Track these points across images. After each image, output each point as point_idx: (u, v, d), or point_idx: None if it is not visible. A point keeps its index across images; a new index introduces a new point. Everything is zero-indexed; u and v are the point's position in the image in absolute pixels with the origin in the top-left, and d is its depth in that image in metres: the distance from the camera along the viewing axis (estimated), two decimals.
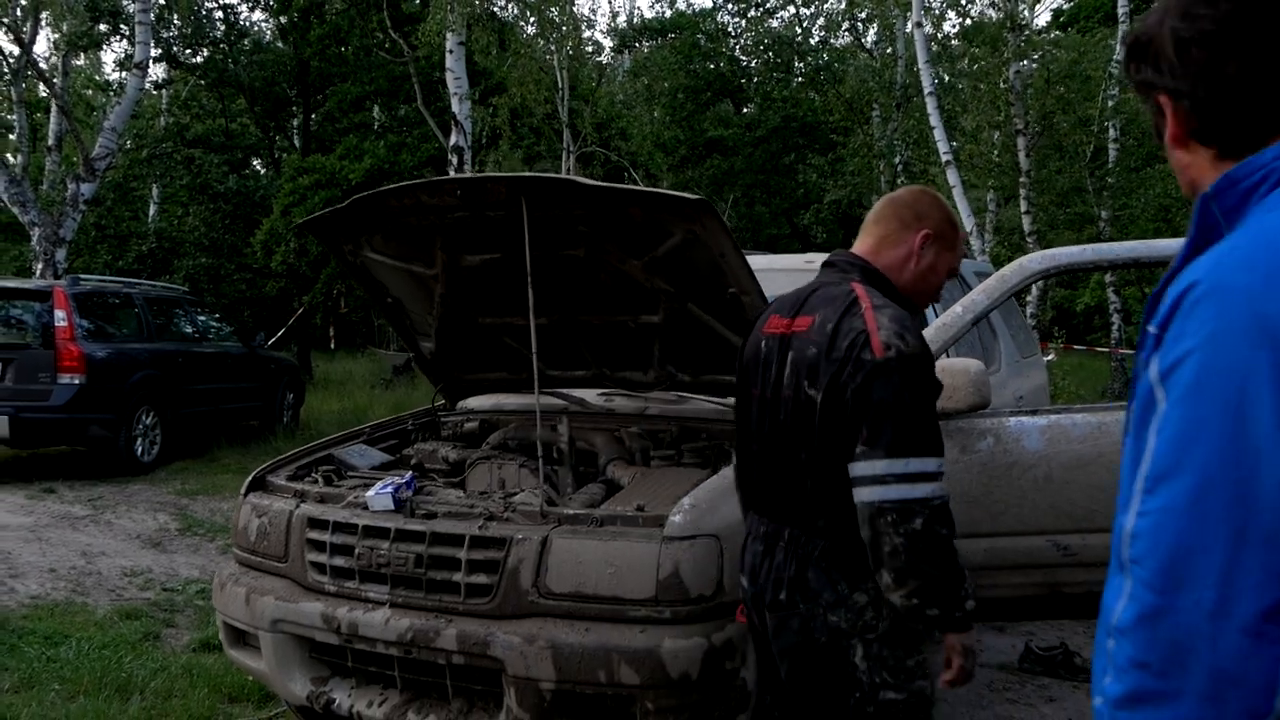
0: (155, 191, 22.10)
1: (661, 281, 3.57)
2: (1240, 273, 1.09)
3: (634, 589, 2.89)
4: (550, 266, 3.62)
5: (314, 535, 3.35)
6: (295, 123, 22.95)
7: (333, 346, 25.25)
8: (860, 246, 2.40)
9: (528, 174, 3.42)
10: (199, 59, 21.28)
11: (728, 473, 3.23)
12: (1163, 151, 1.50)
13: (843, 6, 22.54)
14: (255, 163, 27.32)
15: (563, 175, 3.41)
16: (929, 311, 4.96)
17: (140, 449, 9.67)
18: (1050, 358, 8.83)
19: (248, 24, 22.59)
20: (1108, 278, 15.05)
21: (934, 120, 12.85)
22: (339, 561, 3.27)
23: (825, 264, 2.42)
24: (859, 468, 2.06)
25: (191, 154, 20.06)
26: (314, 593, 3.31)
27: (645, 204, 3.31)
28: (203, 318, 11.70)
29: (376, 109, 22.24)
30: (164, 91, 24.31)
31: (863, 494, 2.05)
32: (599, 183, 3.29)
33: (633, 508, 3.11)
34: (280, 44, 21.08)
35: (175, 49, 20.71)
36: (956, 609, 2.06)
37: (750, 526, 2.42)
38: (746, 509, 2.48)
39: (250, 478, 3.77)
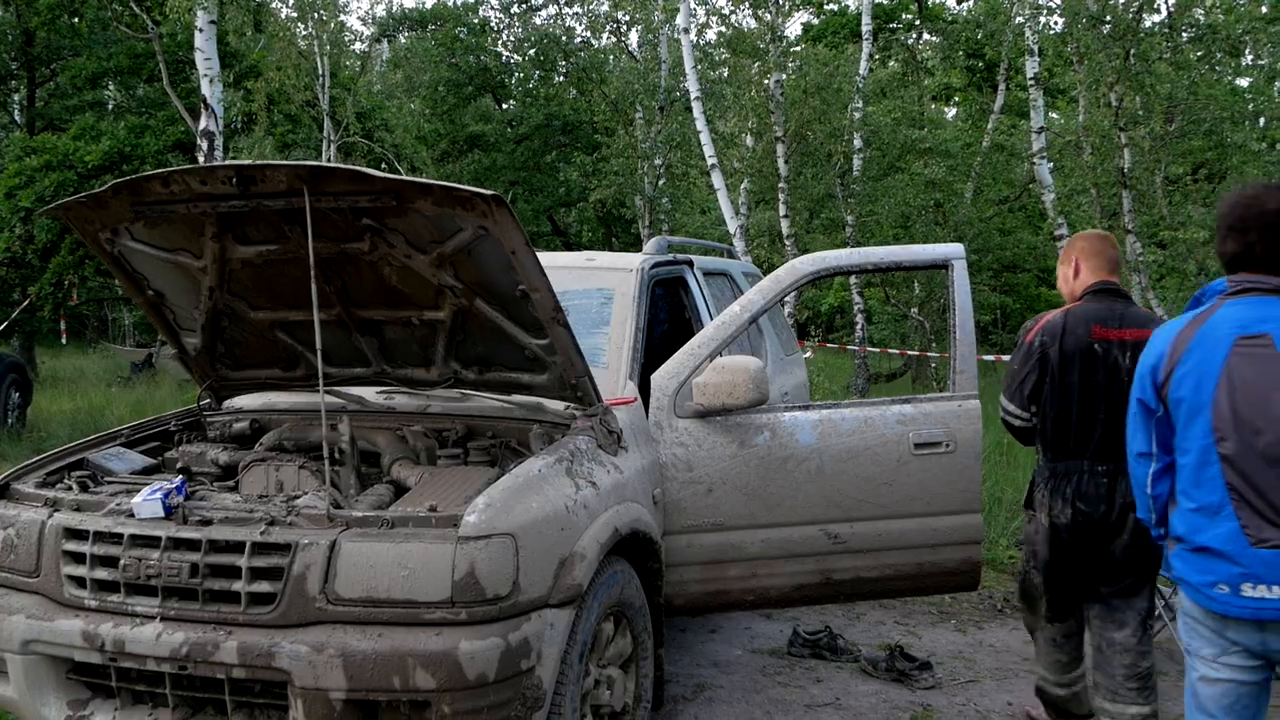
0: None
1: (449, 277, 3.49)
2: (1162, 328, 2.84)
3: (429, 591, 2.84)
4: (331, 260, 3.48)
5: (71, 546, 3.09)
6: (18, 98, 20.96)
7: (64, 341, 23.26)
8: (1113, 276, 3.78)
9: (312, 162, 3.26)
10: None
11: (520, 471, 3.21)
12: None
13: (605, 8, 22.84)
14: None
15: (349, 166, 3.27)
16: (705, 313, 5.15)
17: None
18: (808, 355, 9.31)
19: None
20: (852, 280, 15.96)
21: (700, 125, 13.24)
22: (101, 574, 3.03)
23: (1107, 290, 3.76)
24: None
25: None
26: (72, 609, 3.06)
27: (435, 197, 3.22)
28: None
29: (112, 87, 20.62)
30: None
31: None
32: (388, 174, 3.18)
33: (425, 508, 3.04)
34: (0, 10, 19.20)
35: None
36: None
37: (1081, 468, 3.73)
38: (1073, 457, 3.74)
39: None
